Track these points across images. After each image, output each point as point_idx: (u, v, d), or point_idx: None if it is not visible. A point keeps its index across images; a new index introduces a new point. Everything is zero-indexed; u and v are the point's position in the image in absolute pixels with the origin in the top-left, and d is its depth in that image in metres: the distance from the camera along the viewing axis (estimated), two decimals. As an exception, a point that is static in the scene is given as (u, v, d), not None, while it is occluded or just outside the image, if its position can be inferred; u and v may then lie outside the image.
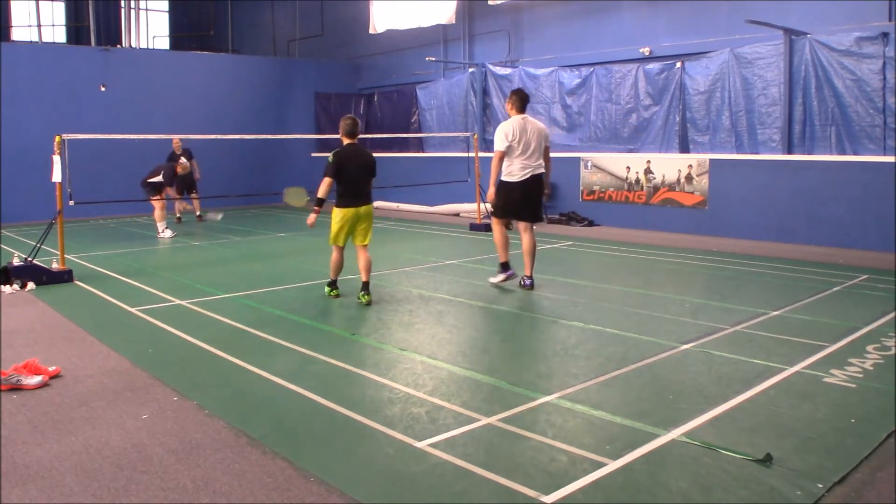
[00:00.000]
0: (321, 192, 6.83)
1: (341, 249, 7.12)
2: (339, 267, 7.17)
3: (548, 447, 3.62)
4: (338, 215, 6.95)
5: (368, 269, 7.03)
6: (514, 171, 7.43)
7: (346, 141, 7.00)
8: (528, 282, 7.56)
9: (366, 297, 6.96)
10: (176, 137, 13.47)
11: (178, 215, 14.49)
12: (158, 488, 3.25)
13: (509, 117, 7.58)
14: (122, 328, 6.18)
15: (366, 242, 7.10)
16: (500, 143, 7.41)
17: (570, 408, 4.17)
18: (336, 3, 20.44)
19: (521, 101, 7.51)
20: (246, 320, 6.30)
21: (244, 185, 17.58)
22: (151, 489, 3.24)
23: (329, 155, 6.89)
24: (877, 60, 10.41)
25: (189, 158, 13.73)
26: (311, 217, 6.93)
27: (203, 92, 17.99)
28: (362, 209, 6.98)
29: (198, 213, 14.71)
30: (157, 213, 12.45)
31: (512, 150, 7.37)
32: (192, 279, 8.32)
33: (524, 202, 7.50)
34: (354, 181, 6.92)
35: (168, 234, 12.38)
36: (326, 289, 7.33)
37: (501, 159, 7.44)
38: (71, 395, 4.49)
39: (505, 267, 7.68)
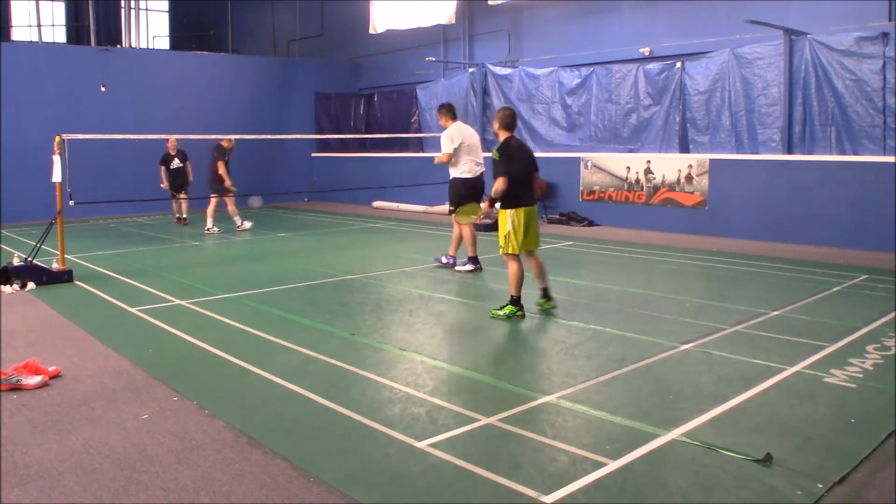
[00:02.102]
0: (498, 195, 6.14)
1: (519, 258, 6.24)
2: (522, 278, 6.22)
3: (548, 447, 3.62)
4: (511, 217, 6.16)
5: (545, 275, 6.47)
6: (468, 170, 8.39)
7: (504, 134, 6.33)
8: (451, 260, 8.74)
9: (549, 303, 6.45)
10: (172, 137, 13.33)
11: (177, 216, 14.31)
12: (158, 488, 3.25)
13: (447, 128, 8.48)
14: (122, 328, 6.18)
15: (537, 247, 6.46)
16: (447, 147, 8.32)
17: (570, 408, 4.17)
18: (336, 3, 20.45)
19: (452, 110, 8.60)
20: (246, 320, 6.30)
21: (244, 185, 17.52)
22: (151, 489, 3.24)
23: (493, 152, 6.20)
24: (877, 60, 10.41)
25: (184, 160, 13.58)
26: (486, 204, 6.42)
27: (203, 92, 17.99)
28: (534, 208, 6.31)
29: (184, 215, 14.18)
30: (231, 207, 13.08)
31: (461, 152, 8.32)
32: (192, 279, 8.32)
33: (474, 197, 8.35)
34: (524, 176, 6.24)
35: (248, 224, 13.05)
36: (509, 308, 6.22)
37: (447, 161, 8.40)
38: (71, 395, 4.49)
39: (475, 260, 8.51)
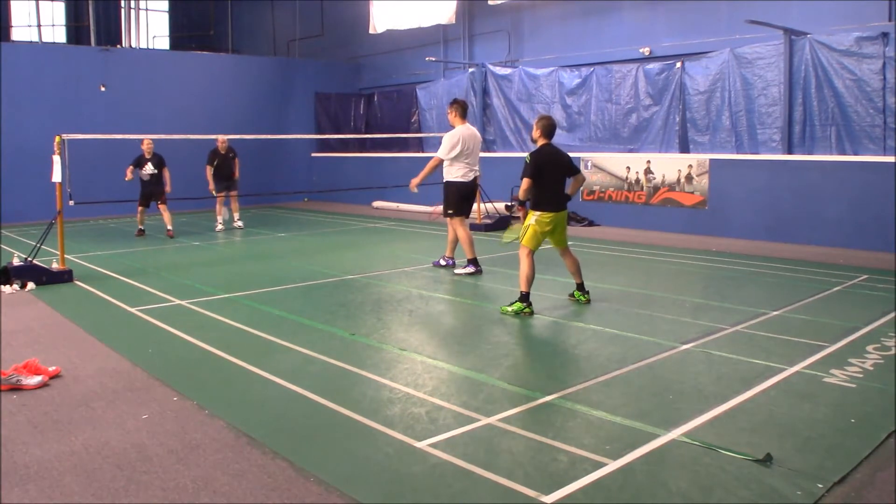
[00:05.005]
0: (522, 195, 6.55)
1: (532, 255, 6.54)
2: (532, 276, 6.48)
3: (548, 447, 3.62)
4: (538, 218, 6.53)
5: (580, 270, 6.89)
6: (462, 174, 8.38)
7: (541, 141, 6.67)
8: (450, 261, 8.78)
9: (584, 296, 6.86)
10: (147, 138, 12.01)
11: (140, 227, 12.52)
12: (158, 488, 3.25)
13: (454, 126, 8.42)
14: (122, 328, 6.18)
15: (567, 245, 6.86)
16: (447, 152, 8.29)
17: (570, 408, 4.17)
18: (336, 3, 20.45)
19: (464, 110, 8.52)
20: (246, 320, 6.30)
21: (244, 185, 17.43)
22: (151, 489, 3.24)
23: (525, 156, 6.60)
24: (877, 60, 10.41)
25: (160, 166, 11.99)
26: (520, 209, 6.72)
27: (203, 92, 17.99)
28: (562, 214, 6.66)
29: (169, 227, 12.34)
30: (219, 206, 13.33)
31: (459, 157, 8.28)
32: (192, 279, 8.32)
33: (469, 200, 8.57)
34: (553, 183, 6.59)
35: (220, 228, 13.17)
36: (517, 305, 6.41)
37: (439, 164, 8.39)
38: (71, 395, 4.49)
39: (475, 262, 8.42)
